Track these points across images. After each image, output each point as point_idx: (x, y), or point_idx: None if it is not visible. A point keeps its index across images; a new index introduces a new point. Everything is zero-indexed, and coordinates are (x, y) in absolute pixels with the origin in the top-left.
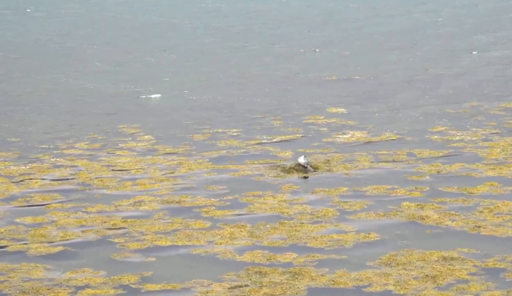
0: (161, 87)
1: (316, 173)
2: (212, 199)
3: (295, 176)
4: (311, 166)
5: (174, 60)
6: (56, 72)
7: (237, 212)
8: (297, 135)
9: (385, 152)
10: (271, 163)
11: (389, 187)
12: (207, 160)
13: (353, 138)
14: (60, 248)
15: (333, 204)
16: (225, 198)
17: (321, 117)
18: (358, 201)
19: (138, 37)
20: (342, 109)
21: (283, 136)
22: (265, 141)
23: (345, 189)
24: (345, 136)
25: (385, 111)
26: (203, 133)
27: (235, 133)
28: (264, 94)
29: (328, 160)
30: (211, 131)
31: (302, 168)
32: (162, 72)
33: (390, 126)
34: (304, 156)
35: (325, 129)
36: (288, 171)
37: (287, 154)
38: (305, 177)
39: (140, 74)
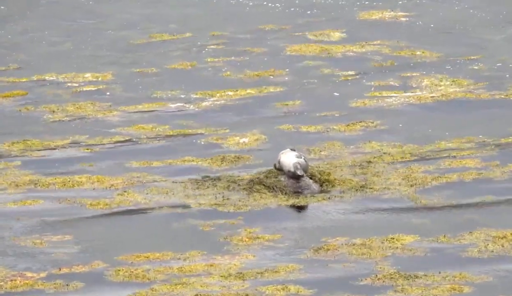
0: None
1: (323, 195)
2: (32, 273)
3: (270, 203)
4: (309, 175)
5: None
6: None
7: None
8: (275, 88)
9: None
10: (202, 170)
11: None
12: (18, 167)
13: (432, 94)
14: None
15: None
16: (64, 270)
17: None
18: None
19: None
20: (401, 15)
21: (235, 93)
22: (182, 106)
23: (411, 238)
24: (407, 93)
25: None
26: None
27: (93, 85)
28: None
29: (360, 166)
30: (33, 78)
31: (290, 180)
32: None
33: None
34: (295, 152)
35: (345, 72)
36: (249, 188)
37: (246, 144)
38: (296, 207)
39: None
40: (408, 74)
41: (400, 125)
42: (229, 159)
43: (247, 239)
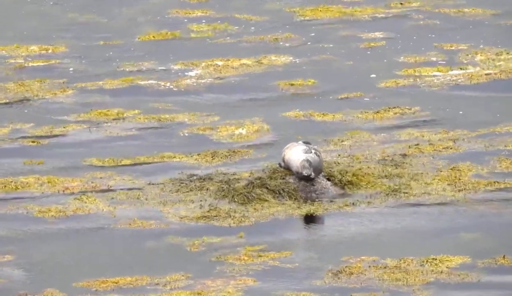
0: None
1: (345, 201)
2: None
3: (276, 211)
4: (327, 176)
5: None
6: None
7: None
8: (278, 59)
9: None
10: (186, 168)
11: None
12: None
13: None
14: None
15: None
16: None
17: None
18: None
19: None
20: None
21: (225, 64)
22: (156, 83)
23: (459, 259)
24: (453, 71)
25: None
26: None
27: None
28: None
29: (392, 162)
30: None
31: (301, 183)
32: None
33: None
34: (306, 145)
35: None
36: (248, 193)
37: (243, 137)
38: (309, 217)
39: None
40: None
41: (447, 110)
42: (222, 153)
43: (246, 258)
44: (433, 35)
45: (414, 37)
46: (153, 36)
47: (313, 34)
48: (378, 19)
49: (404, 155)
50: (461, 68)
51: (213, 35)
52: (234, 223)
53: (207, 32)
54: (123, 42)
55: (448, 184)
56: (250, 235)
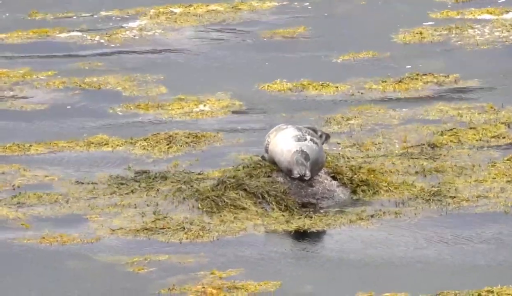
0: None
1: (358, 210)
2: None
3: (256, 225)
4: (332, 173)
5: None
6: None
7: None
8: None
9: None
10: (128, 160)
11: None
12: None
13: None
14: None
15: None
16: None
17: None
18: None
19: None
20: None
21: (186, 9)
22: (81, 35)
23: None
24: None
25: None
26: None
27: None
28: None
29: (424, 153)
30: None
31: (294, 183)
32: None
33: None
34: (298, 131)
35: None
36: (216, 197)
37: (206, 114)
38: (305, 234)
39: None
40: None
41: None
42: (181, 140)
43: (214, 291)
44: None
45: None
46: None
47: None
48: None
49: (434, 145)
50: None
51: None
52: (187, 238)
53: None
54: None
55: (508, 180)
56: (215, 254)
